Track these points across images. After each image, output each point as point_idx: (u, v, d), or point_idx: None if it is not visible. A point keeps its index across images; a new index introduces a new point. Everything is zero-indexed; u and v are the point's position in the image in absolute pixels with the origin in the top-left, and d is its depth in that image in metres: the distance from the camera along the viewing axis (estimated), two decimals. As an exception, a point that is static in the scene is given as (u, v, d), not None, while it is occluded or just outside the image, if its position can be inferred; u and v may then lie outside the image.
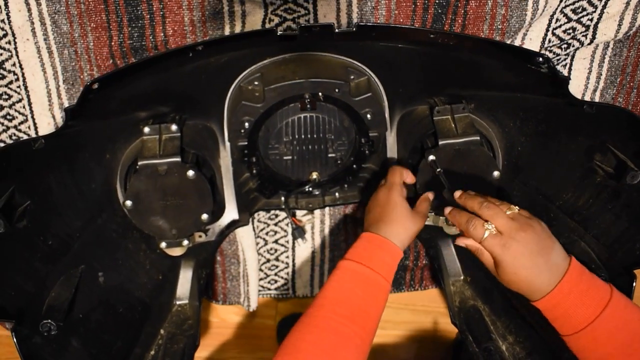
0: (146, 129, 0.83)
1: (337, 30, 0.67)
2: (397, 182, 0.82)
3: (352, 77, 0.82)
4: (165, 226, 0.87)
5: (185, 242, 0.91)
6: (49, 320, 0.70)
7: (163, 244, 0.90)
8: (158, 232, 0.87)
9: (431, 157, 0.83)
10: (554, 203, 0.82)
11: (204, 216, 0.86)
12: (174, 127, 0.83)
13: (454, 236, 0.99)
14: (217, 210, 0.95)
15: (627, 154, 0.68)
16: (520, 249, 0.65)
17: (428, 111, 0.88)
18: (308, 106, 0.85)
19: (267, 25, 0.88)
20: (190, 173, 0.81)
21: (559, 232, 0.80)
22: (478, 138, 0.83)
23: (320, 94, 0.83)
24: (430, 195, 0.84)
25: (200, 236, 0.95)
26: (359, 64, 0.84)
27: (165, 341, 0.91)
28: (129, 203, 0.83)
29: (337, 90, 0.83)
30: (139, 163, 0.81)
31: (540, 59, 0.65)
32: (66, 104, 0.93)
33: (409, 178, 0.84)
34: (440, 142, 0.83)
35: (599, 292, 0.63)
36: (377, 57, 0.81)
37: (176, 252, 0.96)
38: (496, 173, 0.84)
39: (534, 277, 0.65)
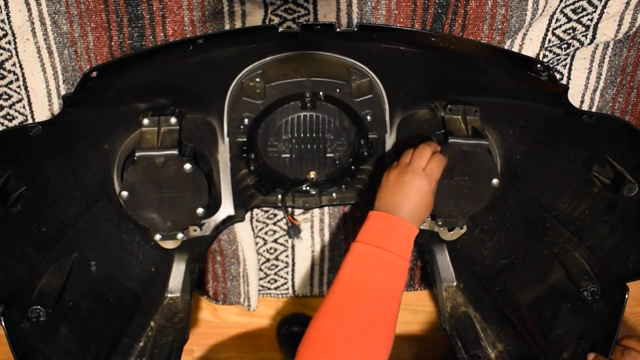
0: (145, 121, 0.83)
1: (338, 30, 0.67)
2: (421, 167, 0.77)
3: (354, 77, 0.82)
4: (160, 218, 0.87)
5: (180, 236, 0.91)
6: (39, 307, 0.70)
7: (157, 237, 0.90)
8: (153, 224, 0.87)
9: None
10: (550, 213, 0.82)
11: (199, 210, 0.86)
12: (173, 120, 0.83)
13: (449, 242, 0.99)
14: (213, 205, 0.95)
15: (625, 166, 0.68)
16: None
17: (429, 115, 0.88)
18: (308, 105, 0.85)
19: (267, 26, 0.88)
20: (187, 166, 0.81)
21: (554, 242, 0.80)
22: (487, 143, 0.83)
23: (320, 93, 0.83)
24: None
25: (195, 230, 0.95)
26: (362, 65, 0.84)
27: (155, 333, 0.91)
28: (124, 194, 0.83)
29: (338, 90, 0.82)
30: (136, 154, 0.81)
31: (540, 66, 0.65)
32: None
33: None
34: (450, 140, 0.82)
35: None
36: (379, 58, 0.81)
37: (170, 245, 0.96)
38: (495, 181, 0.84)
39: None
